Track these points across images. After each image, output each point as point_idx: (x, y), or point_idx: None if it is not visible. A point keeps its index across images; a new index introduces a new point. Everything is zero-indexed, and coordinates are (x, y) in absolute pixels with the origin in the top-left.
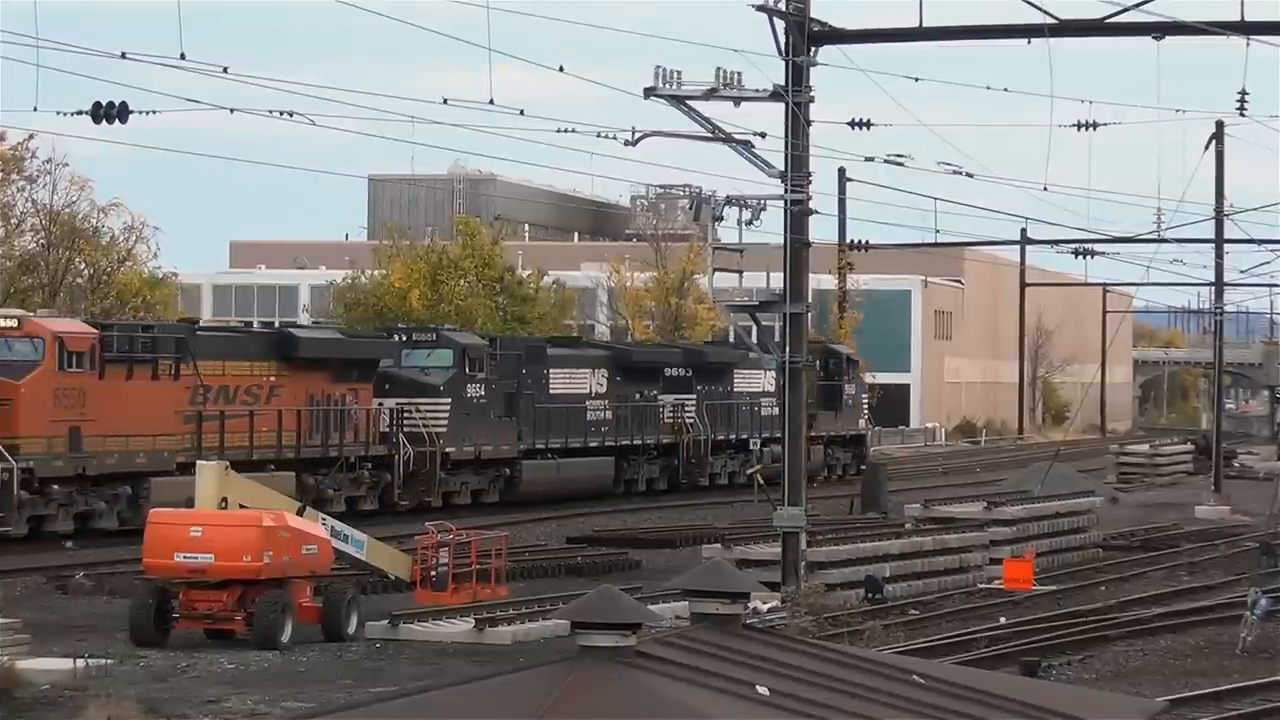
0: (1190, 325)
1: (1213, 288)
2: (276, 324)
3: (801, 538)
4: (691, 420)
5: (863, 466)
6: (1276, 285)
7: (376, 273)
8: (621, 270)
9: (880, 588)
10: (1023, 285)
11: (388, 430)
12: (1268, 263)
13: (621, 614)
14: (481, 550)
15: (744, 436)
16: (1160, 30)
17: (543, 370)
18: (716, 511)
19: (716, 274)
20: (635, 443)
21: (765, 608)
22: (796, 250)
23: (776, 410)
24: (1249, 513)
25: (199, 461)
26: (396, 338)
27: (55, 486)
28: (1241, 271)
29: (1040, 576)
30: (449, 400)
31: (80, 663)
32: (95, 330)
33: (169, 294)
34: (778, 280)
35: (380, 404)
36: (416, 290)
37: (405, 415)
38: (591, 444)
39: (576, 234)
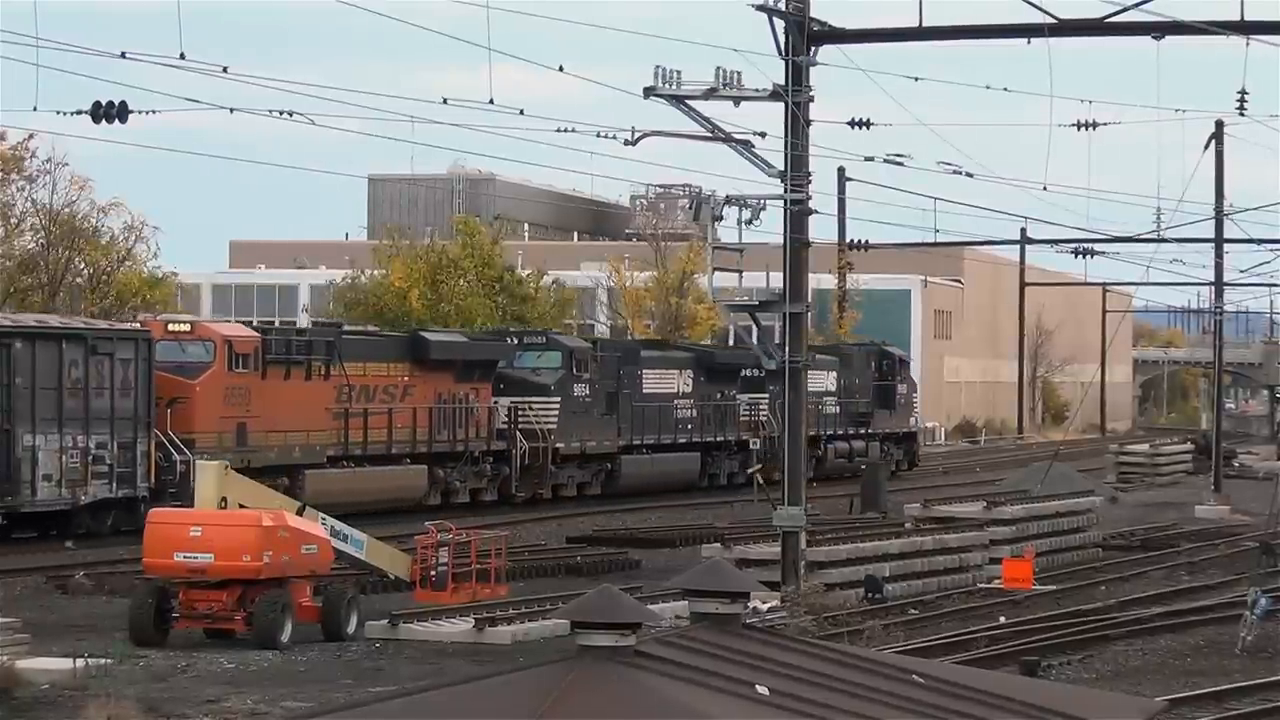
0: (1190, 325)
1: (1212, 287)
2: (276, 323)
3: (801, 537)
4: (765, 418)
5: (915, 461)
6: (1276, 285)
7: (376, 272)
8: (621, 270)
9: (880, 587)
10: (1022, 285)
11: (503, 427)
12: (1267, 262)
13: (621, 614)
14: (481, 550)
15: (811, 433)
16: (1160, 30)
17: (637, 371)
18: (716, 511)
19: (716, 274)
20: (717, 439)
21: (765, 607)
22: (796, 250)
23: (837, 409)
24: (1249, 512)
25: (198, 461)
26: (509, 340)
27: None
28: (1241, 271)
29: (1040, 576)
30: (559, 399)
31: (80, 662)
32: (258, 334)
33: (168, 293)
34: (777, 280)
35: (496, 402)
36: (416, 290)
37: (520, 413)
38: (680, 440)
39: (576, 234)
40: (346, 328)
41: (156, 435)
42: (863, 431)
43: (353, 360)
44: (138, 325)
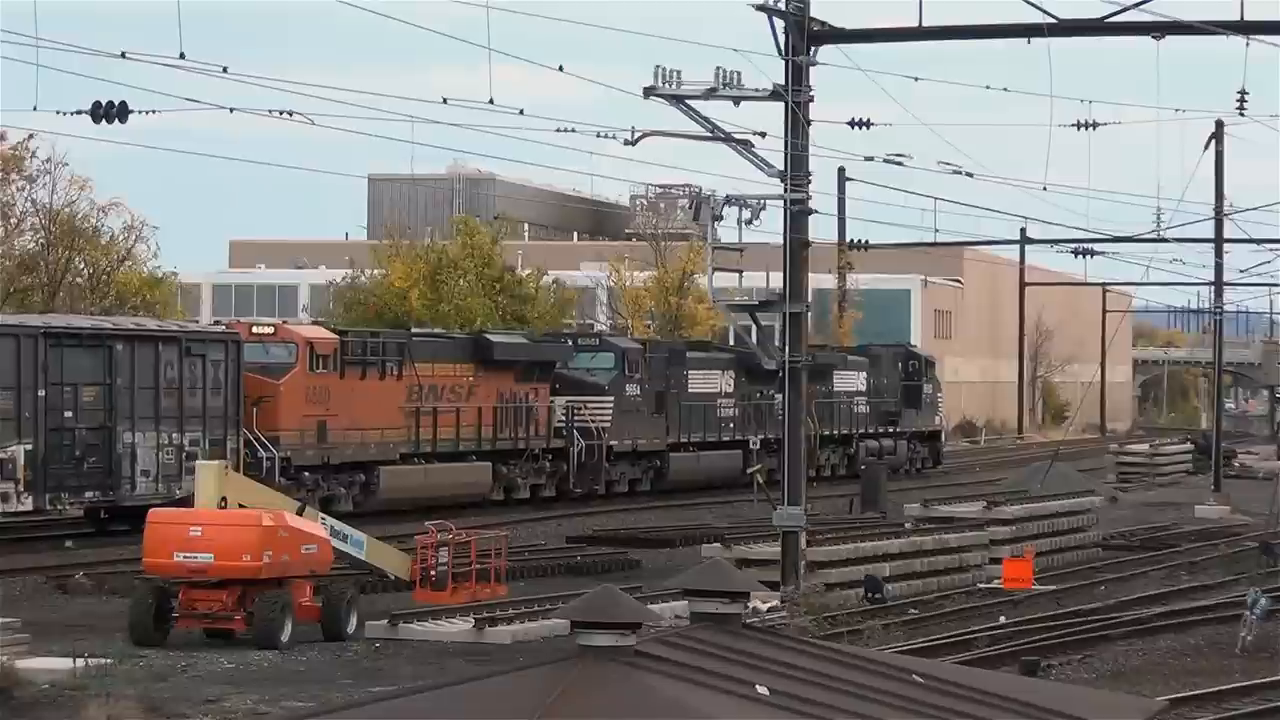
0: (1190, 325)
1: (1212, 287)
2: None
3: (801, 537)
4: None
5: (939, 459)
6: (1276, 285)
7: (376, 272)
8: (621, 270)
9: (880, 587)
10: (1022, 285)
11: (560, 425)
12: (1267, 262)
13: (621, 613)
14: (481, 550)
15: (845, 432)
16: (1160, 30)
17: (683, 372)
18: (716, 511)
19: (716, 274)
20: (758, 438)
21: (765, 607)
22: (796, 250)
23: (868, 408)
24: (1249, 512)
25: (198, 461)
26: (565, 342)
27: (306, 474)
28: (1241, 271)
29: (1040, 576)
30: (612, 398)
31: (80, 662)
32: (337, 336)
33: (168, 293)
34: (777, 280)
35: (554, 402)
36: (416, 290)
37: (576, 412)
38: (724, 438)
39: (576, 234)
40: (415, 330)
41: (244, 433)
42: (891, 430)
43: (422, 361)
44: (225, 328)
